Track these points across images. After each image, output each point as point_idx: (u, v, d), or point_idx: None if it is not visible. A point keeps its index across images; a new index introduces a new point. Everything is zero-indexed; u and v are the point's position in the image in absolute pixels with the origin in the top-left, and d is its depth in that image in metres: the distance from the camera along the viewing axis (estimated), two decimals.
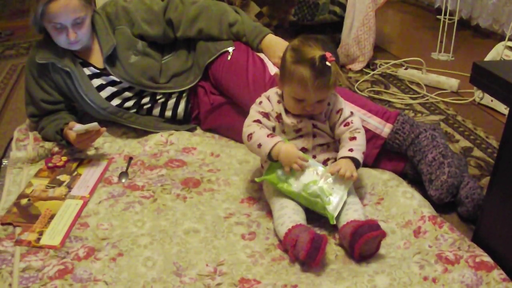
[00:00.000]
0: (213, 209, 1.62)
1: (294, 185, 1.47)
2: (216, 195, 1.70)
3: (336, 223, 1.46)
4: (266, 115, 1.56)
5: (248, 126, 1.55)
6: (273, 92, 1.60)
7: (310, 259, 1.32)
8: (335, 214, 1.43)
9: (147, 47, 2.02)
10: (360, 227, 1.35)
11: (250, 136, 1.53)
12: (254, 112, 1.58)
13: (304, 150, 1.55)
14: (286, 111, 1.56)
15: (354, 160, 1.51)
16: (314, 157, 1.57)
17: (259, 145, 1.50)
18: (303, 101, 1.49)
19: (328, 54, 1.41)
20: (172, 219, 1.57)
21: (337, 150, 1.61)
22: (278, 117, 1.56)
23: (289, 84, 1.48)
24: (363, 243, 1.34)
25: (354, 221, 1.40)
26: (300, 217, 1.45)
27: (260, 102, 1.59)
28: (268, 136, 1.50)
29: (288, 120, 1.54)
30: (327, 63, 1.41)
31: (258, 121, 1.55)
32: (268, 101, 1.58)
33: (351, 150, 1.52)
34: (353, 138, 1.54)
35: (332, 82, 1.43)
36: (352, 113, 1.59)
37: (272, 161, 1.50)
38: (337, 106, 1.58)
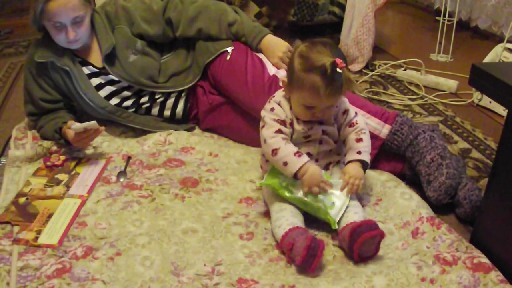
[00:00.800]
0: (211, 209, 1.62)
1: (295, 191, 1.47)
2: (214, 195, 1.70)
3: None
4: (283, 122, 1.51)
5: (272, 138, 1.49)
6: (282, 97, 1.55)
7: (306, 265, 1.32)
8: (337, 219, 1.43)
9: (146, 46, 2.02)
10: (358, 227, 1.35)
11: (275, 151, 1.47)
12: (270, 120, 1.51)
13: (308, 155, 1.54)
14: (297, 118, 1.52)
15: (362, 162, 1.52)
16: (316, 161, 1.56)
17: (285, 163, 1.45)
18: (313, 108, 1.46)
19: (338, 61, 1.38)
20: (170, 218, 1.57)
21: (338, 154, 1.61)
22: (291, 123, 1.52)
23: (299, 91, 1.45)
24: (362, 243, 1.34)
25: (353, 222, 1.40)
26: (298, 219, 1.45)
27: (272, 109, 1.53)
28: (295, 154, 1.46)
29: (299, 127, 1.51)
30: (338, 69, 1.38)
31: (279, 131, 1.49)
32: (280, 107, 1.53)
33: (359, 152, 1.53)
34: (360, 140, 1.54)
35: (340, 88, 1.41)
36: (356, 113, 1.59)
37: (296, 179, 1.47)
38: (342, 107, 1.58)
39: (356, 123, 1.56)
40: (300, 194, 1.46)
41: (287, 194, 1.47)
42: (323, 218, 1.46)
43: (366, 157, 1.53)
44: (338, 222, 1.45)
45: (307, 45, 1.45)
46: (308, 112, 1.47)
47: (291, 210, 1.47)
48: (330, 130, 1.55)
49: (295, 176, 1.45)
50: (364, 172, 1.53)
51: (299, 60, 1.44)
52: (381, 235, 1.37)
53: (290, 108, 1.52)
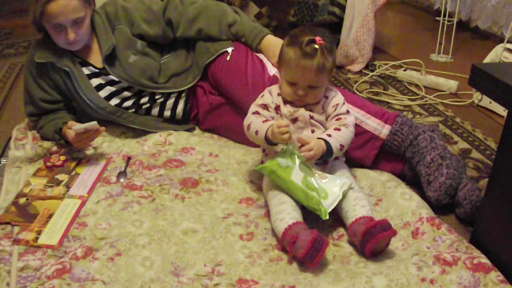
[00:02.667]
0: (211, 209, 1.63)
1: (294, 173, 1.48)
2: (214, 195, 1.70)
3: (344, 218, 1.49)
4: (265, 106, 1.62)
5: (247, 119, 1.62)
6: (275, 86, 1.66)
7: (309, 259, 1.32)
8: (329, 210, 1.44)
9: (146, 46, 2.02)
10: (372, 227, 1.36)
11: (248, 126, 1.59)
12: (254, 105, 1.64)
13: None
14: (285, 102, 1.59)
15: (326, 144, 1.50)
16: None
17: (257, 132, 1.55)
18: (295, 85, 1.54)
19: (317, 38, 1.48)
20: (170, 219, 1.57)
21: None
22: (277, 108, 1.61)
23: (281, 66, 1.57)
24: (375, 243, 1.35)
25: (363, 217, 1.42)
26: (299, 213, 1.46)
27: (262, 95, 1.65)
28: (263, 122, 1.55)
29: (285, 109, 1.58)
30: (315, 46, 1.48)
31: (256, 112, 1.61)
32: (270, 94, 1.63)
33: (329, 135, 1.53)
34: (337, 129, 1.56)
35: (317, 64, 1.48)
36: (348, 111, 1.61)
37: (270, 144, 1.55)
38: (334, 101, 1.61)
39: (344, 119, 1.58)
40: (298, 177, 1.47)
41: (286, 176, 1.47)
42: (315, 208, 1.45)
43: (333, 143, 1.51)
44: (344, 213, 1.47)
45: (300, 28, 1.57)
46: (291, 89, 1.55)
47: (291, 204, 1.47)
48: (317, 117, 1.59)
49: (268, 140, 1.52)
50: (325, 156, 1.51)
51: (287, 38, 1.57)
52: (394, 233, 1.38)
53: (278, 94, 1.62)
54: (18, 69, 2.95)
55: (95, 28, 1.96)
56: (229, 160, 1.90)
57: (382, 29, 3.68)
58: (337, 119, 1.58)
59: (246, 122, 1.61)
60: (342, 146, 1.54)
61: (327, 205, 1.44)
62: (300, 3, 2.90)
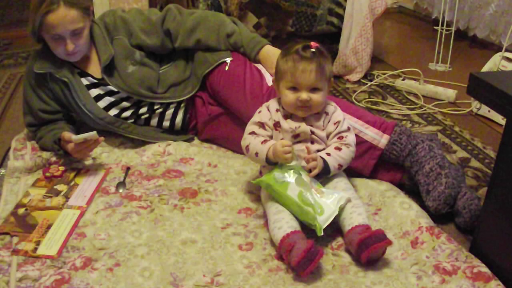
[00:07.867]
0: (210, 219, 1.62)
1: (290, 188, 1.48)
2: (213, 205, 1.70)
3: (341, 226, 1.49)
4: (262, 125, 1.60)
5: (244, 140, 1.61)
6: (273, 101, 1.65)
7: (301, 268, 1.32)
8: (324, 226, 1.44)
9: (145, 57, 2.02)
10: (367, 238, 1.36)
11: (247, 148, 1.59)
12: (250, 124, 1.63)
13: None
14: (285, 118, 1.58)
15: (324, 163, 1.52)
16: None
17: (256, 154, 1.55)
18: (297, 90, 1.53)
19: (312, 43, 1.51)
20: (169, 229, 1.57)
21: None
22: (276, 125, 1.59)
23: (281, 76, 1.56)
24: (370, 253, 1.35)
25: (359, 226, 1.42)
26: (297, 223, 1.46)
27: (259, 112, 1.64)
28: (262, 143, 1.55)
29: (286, 125, 1.57)
30: (312, 49, 1.51)
31: (253, 132, 1.60)
32: (268, 110, 1.62)
33: (328, 154, 1.55)
34: (338, 149, 1.56)
35: (316, 64, 1.50)
36: (349, 128, 1.61)
37: (271, 164, 1.54)
38: (335, 117, 1.60)
39: (345, 138, 1.59)
40: (293, 192, 1.47)
41: (281, 191, 1.47)
42: (310, 223, 1.45)
43: (331, 163, 1.54)
44: (341, 221, 1.48)
45: (293, 40, 1.61)
46: (293, 95, 1.54)
47: (289, 213, 1.48)
48: (318, 133, 1.58)
49: (269, 161, 1.53)
50: (321, 174, 1.54)
51: (281, 52, 1.60)
52: (389, 243, 1.38)
53: (277, 110, 1.61)
54: (18, 80, 2.95)
55: (94, 39, 1.96)
56: (228, 170, 1.90)
57: (380, 39, 3.69)
58: (338, 137, 1.59)
59: (244, 143, 1.61)
60: (340, 165, 1.56)
61: (322, 221, 1.44)
62: (299, 13, 2.91)
